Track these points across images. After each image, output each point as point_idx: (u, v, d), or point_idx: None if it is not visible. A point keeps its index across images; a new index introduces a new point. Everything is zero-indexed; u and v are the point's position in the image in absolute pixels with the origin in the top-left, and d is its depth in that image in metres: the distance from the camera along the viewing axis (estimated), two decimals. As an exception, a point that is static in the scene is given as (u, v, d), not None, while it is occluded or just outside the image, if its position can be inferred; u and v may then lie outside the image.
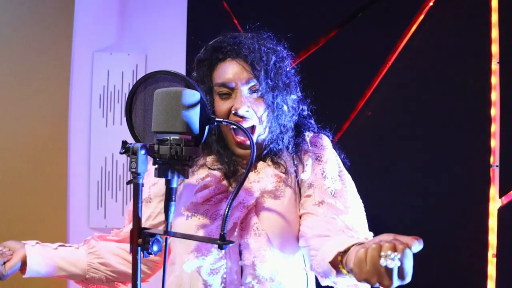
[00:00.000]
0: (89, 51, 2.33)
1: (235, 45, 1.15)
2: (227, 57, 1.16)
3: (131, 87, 0.99)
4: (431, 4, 1.96)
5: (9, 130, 2.24)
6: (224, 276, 1.12)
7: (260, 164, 1.22)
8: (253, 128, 1.16)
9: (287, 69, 1.22)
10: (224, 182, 1.19)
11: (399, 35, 1.99)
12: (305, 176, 1.19)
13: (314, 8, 2.10)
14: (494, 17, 1.87)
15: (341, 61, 2.06)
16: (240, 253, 1.13)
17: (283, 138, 1.20)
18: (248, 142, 1.16)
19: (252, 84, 1.15)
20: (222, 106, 1.16)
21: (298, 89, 1.26)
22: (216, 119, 0.95)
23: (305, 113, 1.28)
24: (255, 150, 0.92)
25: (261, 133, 1.18)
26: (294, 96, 1.22)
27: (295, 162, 1.22)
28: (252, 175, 1.20)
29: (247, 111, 1.14)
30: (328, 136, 1.29)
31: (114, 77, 2.34)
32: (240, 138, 1.16)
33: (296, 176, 1.20)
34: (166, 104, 0.86)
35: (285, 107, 1.19)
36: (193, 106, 0.87)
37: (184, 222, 1.16)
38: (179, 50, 2.27)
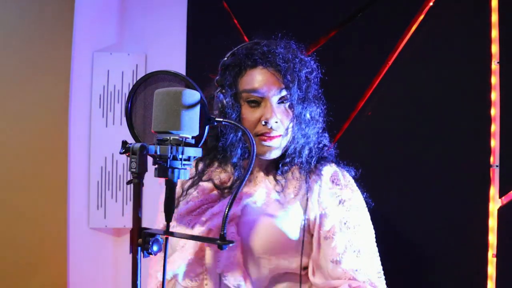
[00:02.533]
0: (89, 51, 2.33)
1: (269, 54, 1.14)
2: (258, 64, 1.14)
3: (131, 87, 0.99)
4: (431, 4, 1.96)
5: (9, 130, 2.24)
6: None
7: (260, 177, 1.21)
8: (279, 138, 1.16)
9: (316, 81, 1.22)
10: (215, 192, 1.19)
11: (399, 35, 1.99)
12: (326, 226, 1.16)
13: (314, 8, 2.10)
14: (494, 17, 1.87)
15: (341, 61, 2.06)
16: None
17: (305, 150, 1.19)
18: (270, 142, 1.14)
19: (283, 94, 1.14)
20: (251, 114, 1.14)
21: (323, 103, 1.25)
22: (216, 119, 0.95)
23: (325, 141, 1.26)
24: (255, 151, 0.92)
25: (285, 145, 1.17)
26: (319, 110, 1.22)
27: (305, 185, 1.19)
28: (247, 188, 1.19)
29: (276, 122, 1.13)
30: (349, 172, 1.26)
31: (114, 77, 2.34)
32: (267, 136, 1.15)
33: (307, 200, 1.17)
34: (166, 104, 0.86)
35: (312, 120, 1.18)
36: (193, 106, 0.87)
37: None
38: (179, 50, 2.27)
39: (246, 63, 1.15)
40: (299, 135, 1.17)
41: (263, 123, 1.13)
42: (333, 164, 1.25)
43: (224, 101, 1.14)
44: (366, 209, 1.22)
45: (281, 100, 1.15)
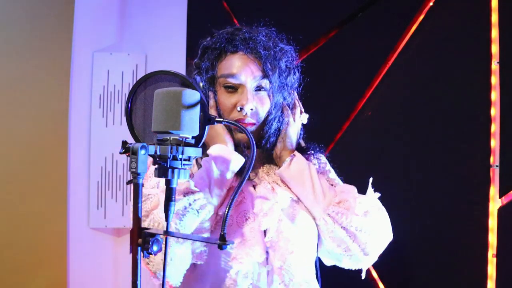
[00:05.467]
0: (89, 51, 2.33)
1: (250, 40, 1.13)
2: (239, 50, 1.14)
3: (131, 87, 0.99)
4: (431, 4, 1.96)
5: (9, 130, 2.24)
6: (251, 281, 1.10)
7: (261, 172, 1.21)
8: (253, 126, 1.16)
9: (296, 70, 1.22)
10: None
11: (399, 35, 1.99)
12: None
13: (314, 8, 2.10)
14: (494, 17, 1.87)
15: (341, 61, 2.06)
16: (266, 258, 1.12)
17: (276, 131, 1.19)
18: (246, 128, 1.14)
19: (260, 81, 1.14)
20: (227, 100, 1.14)
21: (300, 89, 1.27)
22: (216, 119, 0.95)
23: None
24: (255, 150, 0.92)
25: (260, 132, 1.17)
26: (292, 98, 1.23)
27: None
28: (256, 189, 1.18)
29: (252, 109, 1.13)
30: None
31: (114, 77, 2.34)
32: (242, 122, 1.14)
33: None
34: (166, 104, 0.86)
35: (292, 108, 1.20)
36: (193, 106, 0.87)
37: None
38: (179, 50, 2.27)
39: (227, 48, 1.15)
40: (274, 122, 1.17)
41: (238, 109, 1.13)
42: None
43: (201, 84, 1.15)
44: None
45: (258, 88, 1.15)
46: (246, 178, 0.90)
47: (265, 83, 1.14)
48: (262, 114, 1.15)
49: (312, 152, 1.25)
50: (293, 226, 1.14)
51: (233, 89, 1.14)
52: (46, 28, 2.27)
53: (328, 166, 1.30)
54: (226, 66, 1.14)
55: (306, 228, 1.16)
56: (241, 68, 1.13)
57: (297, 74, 1.23)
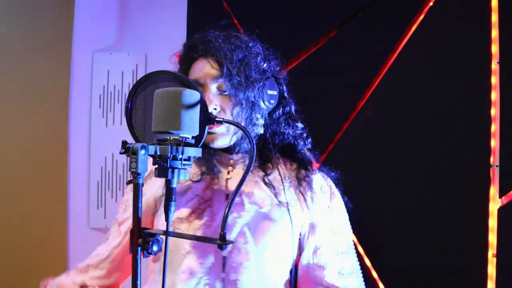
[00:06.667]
0: (89, 51, 2.34)
1: (204, 44, 1.17)
2: (200, 56, 1.18)
3: (131, 87, 0.99)
4: (431, 4, 1.96)
5: (9, 130, 2.24)
6: None
7: (240, 169, 1.21)
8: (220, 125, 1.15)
9: (262, 64, 1.20)
10: (207, 191, 1.18)
11: (399, 35, 1.99)
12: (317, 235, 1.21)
13: (314, 8, 2.10)
14: (494, 17, 1.87)
15: (341, 61, 2.06)
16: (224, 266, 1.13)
17: (253, 134, 1.18)
18: (215, 129, 1.14)
19: (219, 81, 1.15)
20: None
21: (282, 87, 1.24)
22: (216, 119, 0.95)
23: (299, 131, 1.27)
24: (255, 150, 0.92)
25: (233, 132, 1.16)
26: (272, 92, 1.20)
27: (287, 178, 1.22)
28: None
29: (215, 108, 1.13)
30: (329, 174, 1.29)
31: (114, 77, 2.34)
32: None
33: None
34: (166, 104, 0.86)
35: (254, 104, 1.17)
36: (193, 106, 0.87)
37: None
38: (179, 50, 2.27)
39: (192, 56, 1.19)
40: (242, 121, 1.16)
41: None
42: (317, 170, 1.28)
43: None
44: (345, 209, 1.28)
45: (222, 89, 1.15)
46: (245, 180, 0.90)
47: (224, 82, 1.14)
48: (229, 114, 1.14)
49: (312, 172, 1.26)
50: (254, 241, 1.14)
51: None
52: (46, 28, 2.27)
53: (336, 203, 1.27)
54: (191, 73, 1.19)
55: (272, 244, 1.16)
56: (201, 72, 1.16)
57: (268, 67, 1.21)
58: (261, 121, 1.19)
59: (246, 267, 1.12)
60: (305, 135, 1.28)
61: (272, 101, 1.20)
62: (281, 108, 1.24)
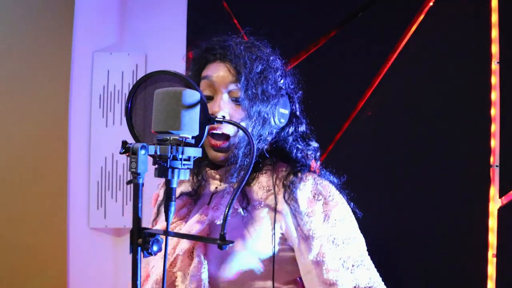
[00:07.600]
0: (89, 51, 2.34)
1: (223, 48, 1.13)
2: (217, 59, 1.14)
3: (131, 87, 0.99)
4: (431, 4, 1.96)
5: (9, 130, 2.24)
6: None
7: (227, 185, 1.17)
8: (228, 138, 1.12)
9: (280, 80, 1.16)
10: (184, 209, 1.17)
11: (399, 35, 1.99)
12: (315, 248, 1.08)
13: (314, 8, 2.10)
14: (494, 17, 1.87)
15: (341, 61, 2.06)
16: None
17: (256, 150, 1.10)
18: (220, 148, 1.12)
19: (233, 88, 1.11)
20: None
21: (294, 106, 1.20)
22: (216, 119, 0.95)
23: (310, 151, 1.21)
24: (255, 151, 0.92)
25: (235, 145, 1.12)
26: (284, 111, 1.15)
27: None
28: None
29: (224, 116, 1.10)
30: (329, 178, 1.18)
31: (114, 77, 2.34)
32: (216, 142, 1.12)
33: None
34: (166, 104, 0.86)
35: (269, 121, 1.12)
36: (193, 106, 0.87)
37: None
38: (179, 50, 2.27)
39: (207, 57, 1.15)
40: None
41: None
42: (311, 175, 1.15)
43: None
44: (353, 217, 1.14)
45: (234, 98, 1.12)
46: (245, 182, 0.89)
47: (238, 90, 1.11)
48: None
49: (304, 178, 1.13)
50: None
51: (211, 99, 1.13)
52: (46, 28, 2.27)
53: (336, 212, 1.11)
54: (205, 73, 1.15)
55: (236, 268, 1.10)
56: (215, 73, 1.12)
57: (284, 84, 1.18)
58: (269, 138, 1.15)
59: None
60: (318, 154, 1.23)
61: (282, 120, 1.15)
62: (292, 127, 1.19)
